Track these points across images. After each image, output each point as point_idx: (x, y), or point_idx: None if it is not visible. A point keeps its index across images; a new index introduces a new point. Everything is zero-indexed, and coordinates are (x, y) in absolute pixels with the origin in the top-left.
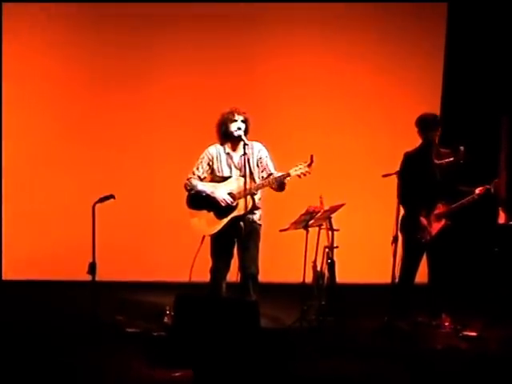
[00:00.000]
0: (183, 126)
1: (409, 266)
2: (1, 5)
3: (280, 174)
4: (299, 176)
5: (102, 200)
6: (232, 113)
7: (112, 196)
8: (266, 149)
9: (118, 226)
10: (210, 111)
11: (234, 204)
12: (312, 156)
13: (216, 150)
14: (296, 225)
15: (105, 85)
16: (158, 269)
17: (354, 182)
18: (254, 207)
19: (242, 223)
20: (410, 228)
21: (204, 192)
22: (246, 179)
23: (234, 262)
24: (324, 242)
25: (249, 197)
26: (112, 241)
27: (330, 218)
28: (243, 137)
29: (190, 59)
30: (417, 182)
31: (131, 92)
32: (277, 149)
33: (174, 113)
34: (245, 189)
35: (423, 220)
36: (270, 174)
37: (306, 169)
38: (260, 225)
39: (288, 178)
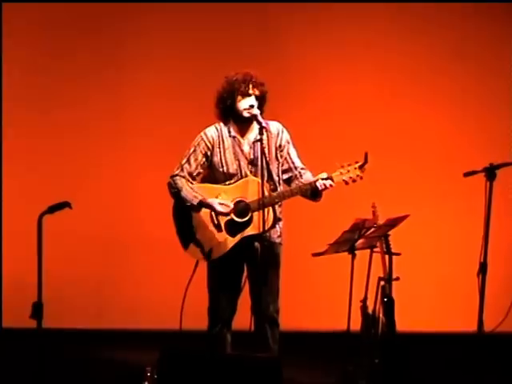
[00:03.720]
0: (175, 113)
1: None
2: (1, 5)
3: (317, 177)
4: (346, 182)
5: (52, 209)
6: (246, 82)
7: (67, 204)
8: (288, 131)
9: (76, 248)
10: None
11: (247, 218)
12: (366, 154)
13: (217, 133)
14: (337, 246)
15: (67, 74)
16: (133, 312)
17: (422, 183)
18: (275, 221)
19: (257, 244)
20: None
21: (189, 202)
22: (262, 179)
23: (243, 300)
24: (378, 271)
25: (268, 207)
26: (66, 270)
27: (386, 237)
28: (259, 117)
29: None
30: None
31: (97, 73)
32: (315, 144)
33: (163, 95)
34: (262, 193)
35: None
36: (295, 168)
37: (358, 172)
38: (281, 244)
39: (330, 183)
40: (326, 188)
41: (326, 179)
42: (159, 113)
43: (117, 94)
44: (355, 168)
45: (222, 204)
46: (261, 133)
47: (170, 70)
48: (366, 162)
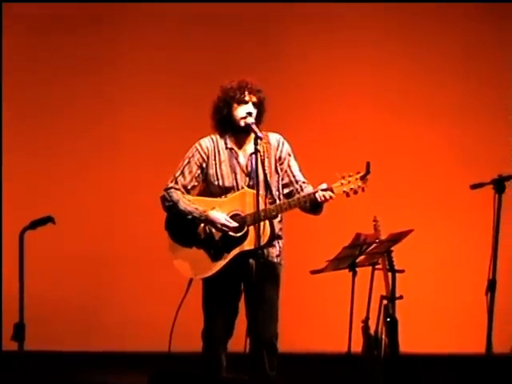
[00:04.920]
0: (164, 128)
1: None
2: (1, 5)
3: (317, 188)
4: (347, 194)
5: (35, 225)
6: (241, 89)
7: (50, 219)
8: (289, 143)
9: (61, 266)
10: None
11: (243, 232)
12: (368, 164)
13: (212, 145)
14: (337, 263)
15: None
16: (119, 333)
17: (426, 196)
18: (273, 237)
19: (252, 261)
20: None
21: (190, 214)
22: (258, 191)
23: (240, 322)
24: (381, 289)
25: (265, 221)
26: (50, 289)
27: (389, 253)
28: (255, 127)
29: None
30: None
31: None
32: (315, 159)
33: (152, 107)
34: (257, 207)
35: None
36: (296, 182)
37: (359, 183)
38: (281, 264)
39: (329, 195)
40: (326, 200)
41: (325, 190)
42: (148, 127)
43: (104, 104)
44: (356, 179)
45: (226, 220)
46: (256, 143)
47: (162, 85)
48: (368, 172)
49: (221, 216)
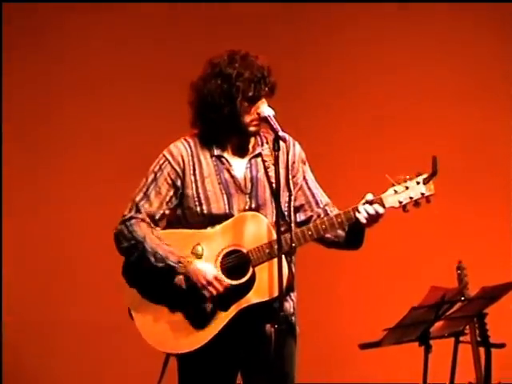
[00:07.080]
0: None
1: None
2: (1, 5)
3: (357, 206)
4: (404, 207)
5: None
6: (256, 80)
7: None
8: (302, 148)
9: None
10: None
11: (247, 277)
12: (435, 160)
13: (189, 152)
14: (401, 332)
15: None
16: None
17: None
18: (292, 284)
19: (269, 327)
20: None
21: (162, 261)
22: (278, 209)
23: None
24: (468, 371)
25: (280, 260)
26: None
27: (482, 317)
28: (274, 121)
29: None
30: None
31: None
32: (358, 155)
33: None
34: (278, 236)
35: None
36: (316, 204)
37: (422, 189)
38: (295, 326)
39: (378, 210)
40: (372, 219)
41: (370, 203)
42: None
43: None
44: (418, 183)
45: (217, 279)
46: (276, 148)
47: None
48: (434, 173)
49: (210, 270)
